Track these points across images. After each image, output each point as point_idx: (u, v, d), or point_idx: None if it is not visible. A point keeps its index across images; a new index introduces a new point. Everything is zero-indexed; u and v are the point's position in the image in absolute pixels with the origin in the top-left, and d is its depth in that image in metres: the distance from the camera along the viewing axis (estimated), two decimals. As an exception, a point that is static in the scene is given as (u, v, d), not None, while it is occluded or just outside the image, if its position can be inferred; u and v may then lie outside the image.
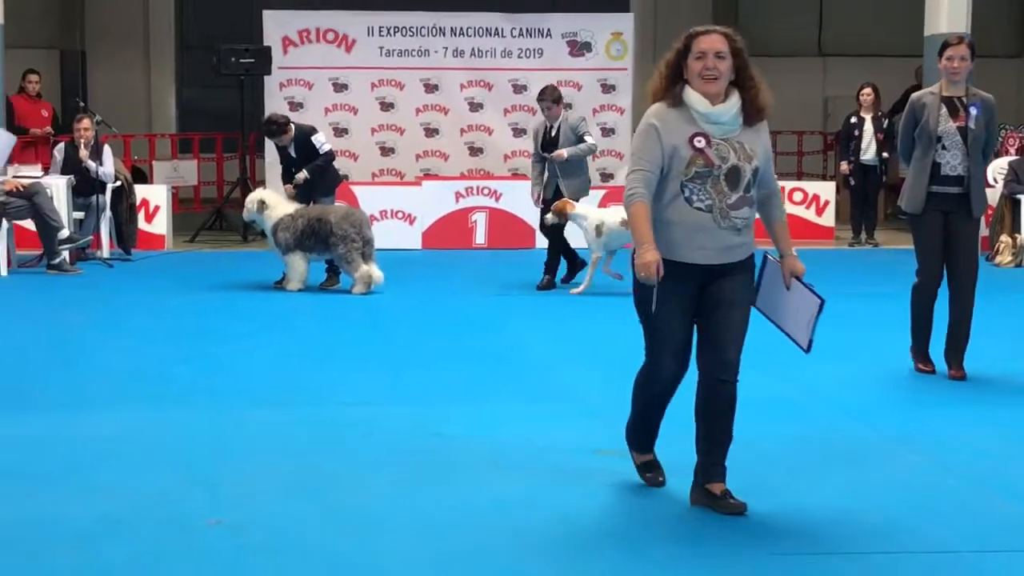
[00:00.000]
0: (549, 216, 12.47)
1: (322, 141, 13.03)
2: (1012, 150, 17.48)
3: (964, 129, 8.28)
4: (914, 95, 8.58)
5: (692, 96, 5.56)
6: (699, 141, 5.49)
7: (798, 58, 25.08)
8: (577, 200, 12.66)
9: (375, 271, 12.37)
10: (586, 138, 12.71)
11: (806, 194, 17.80)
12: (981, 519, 5.71)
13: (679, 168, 5.52)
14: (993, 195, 15.61)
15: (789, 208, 17.24)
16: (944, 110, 8.34)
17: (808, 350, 5.76)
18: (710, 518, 5.63)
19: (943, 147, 8.32)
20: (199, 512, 5.69)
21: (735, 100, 5.58)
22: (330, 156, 13.11)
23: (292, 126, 12.92)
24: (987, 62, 22.29)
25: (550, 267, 12.79)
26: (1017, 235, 14.99)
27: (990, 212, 15.53)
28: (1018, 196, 15.15)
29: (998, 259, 14.91)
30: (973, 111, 8.29)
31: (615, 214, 12.18)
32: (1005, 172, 15.61)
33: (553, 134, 12.68)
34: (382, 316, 11.24)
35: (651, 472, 6.12)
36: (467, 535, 5.44)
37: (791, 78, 24.20)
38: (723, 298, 5.62)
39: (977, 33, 17.09)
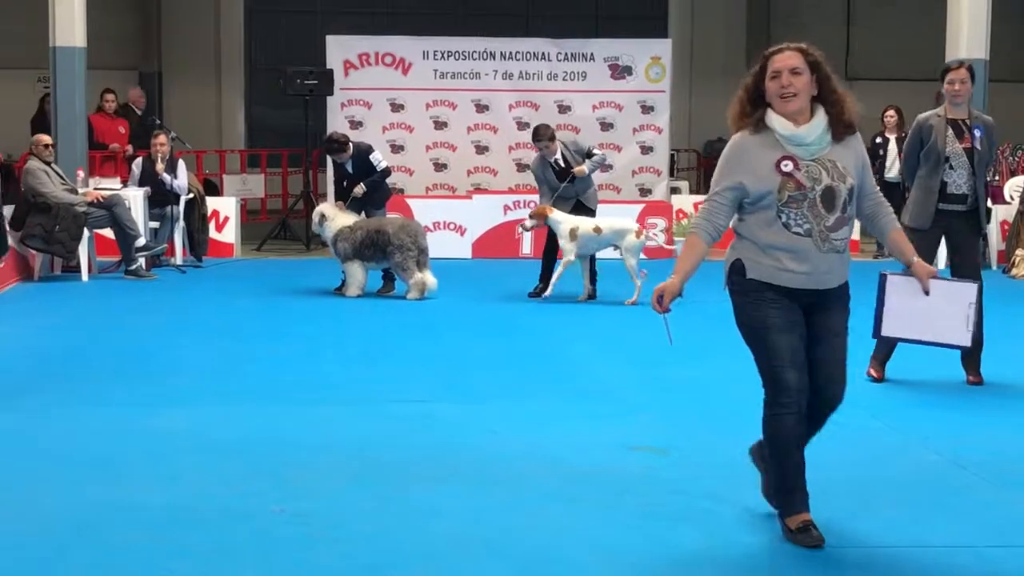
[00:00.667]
0: (529, 221, 12.53)
1: (379, 159, 13.10)
2: (1028, 169, 17.35)
3: (970, 150, 8.26)
4: (920, 117, 8.51)
5: (774, 119, 5.13)
6: (786, 165, 5.06)
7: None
8: (593, 208, 12.79)
9: (429, 278, 12.42)
10: (594, 152, 12.80)
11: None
12: (998, 515, 5.68)
13: (772, 194, 5.07)
14: (1009, 211, 15.51)
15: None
16: (951, 132, 8.31)
17: (971, 344, 5.50)
18: (742, 512, 5.62)
19: (950, 167, 8.28)
20: (265, 501, 5.73)
21: (820, 117, 5.13)
22: (386, 173, 13.19)
23: (351, 145, 13.00)
24: (1004, 86, 22.22)
25: (544, 276, 12.76)
26: (1033, 249, 14.86)
27: (1006, 226, 15.42)
28: (1034, 212, 15.03)
29: (1014, 271, 14.78)
30: (977, 133, 8.28)
31: (589, 222, 12.32)
32: (1021, 189, 15.47)
33: (562, 164, 12.68)
34: (435, 320, 11.26)
35: (807, 533, 5.17)
36: (515, 525, 5.46)
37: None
38: (829, 328, 5.20)
39: (995, 59, 17.00)
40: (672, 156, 20.25)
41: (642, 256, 12.64)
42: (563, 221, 12.29)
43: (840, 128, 5.14)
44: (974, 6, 16.15)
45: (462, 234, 16.70)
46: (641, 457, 6.57)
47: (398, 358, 9.45)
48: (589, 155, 12.69)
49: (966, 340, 5.40)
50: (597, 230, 12.21)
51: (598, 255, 12.77)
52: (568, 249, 12.21)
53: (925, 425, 7.37)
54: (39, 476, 6.16)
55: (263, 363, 9.21)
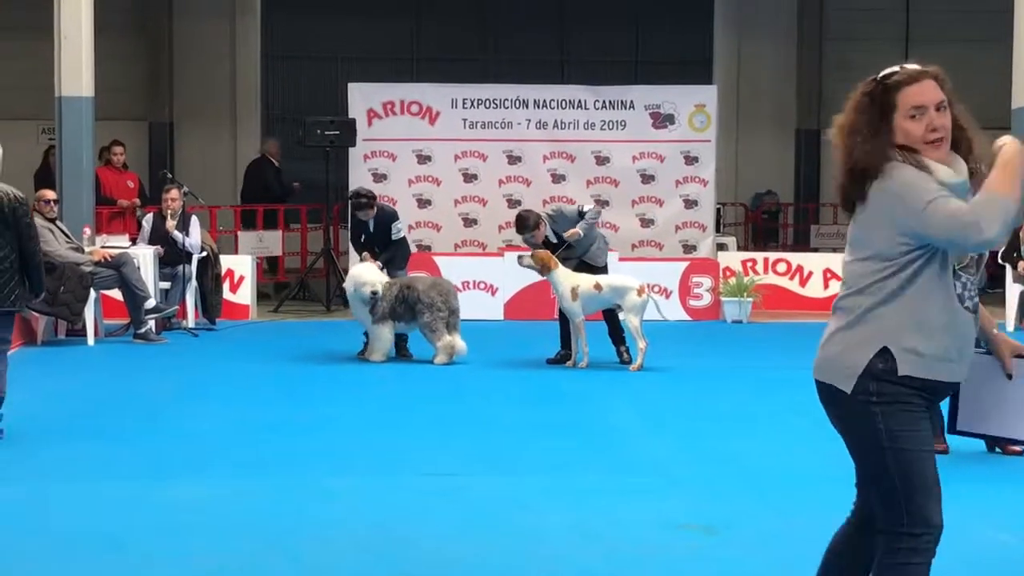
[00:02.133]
0: (525, 259, 12.55)
1: (400, 229, 13.35)
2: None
3: None
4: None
5: (933, 166, 4.12)
6: None
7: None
8: (602, 264, 12.76)
9: (458, 342, 12.44)
10: (585, 208, 12.81)
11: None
12: None
13: (949, 255, 4.11)
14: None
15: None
16: None
17: None
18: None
19: None
20: (283, 580, 5.73)
21: (961, 161, 4.22)
22: (402, 242, 13.46)
23: (376, 205, 13.13)
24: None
25: (565, 341, 12.74)
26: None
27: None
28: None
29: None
30: None
31: (589, 279, 12.24)
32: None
33: (553, 239, 12.69)
34: (464, 386, 11.26)
35: None
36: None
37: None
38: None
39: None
40: (718, 210, 20.28)
41: (660, 317, 12.51)
42: (563, 280, 12.23)
43: (976, 172, 4.25)
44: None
45: (493, 294, 16.73)
46: (688, 536, 6.53)
47: (424, 427, 9.46)
48: (581, 215, 12.68)
49: None
50: (597, 287, 12.16)
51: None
52: (573, 311, 12.18)
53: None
54: (43, 556, 6.16)
55: (279, 432, 9.23)
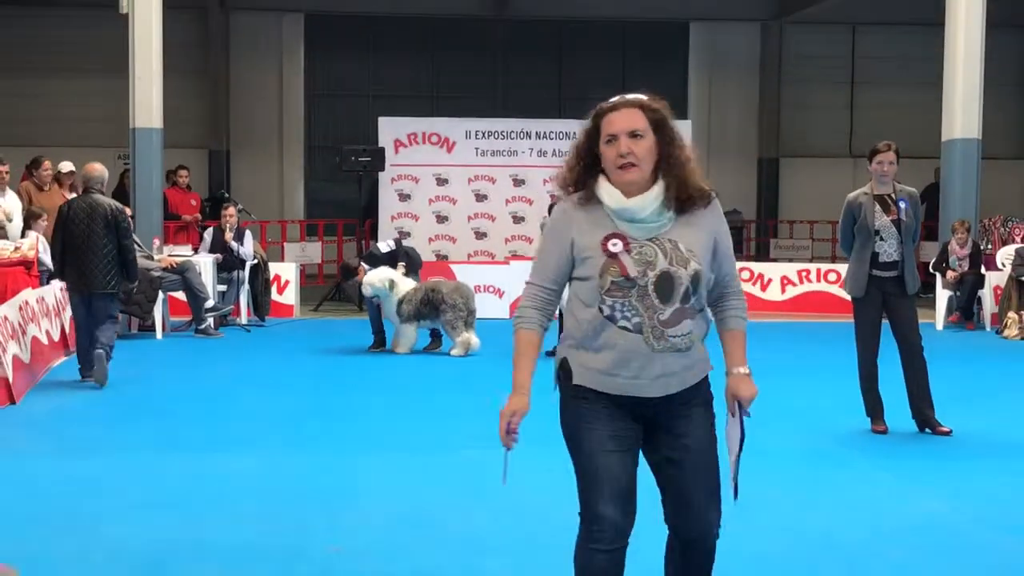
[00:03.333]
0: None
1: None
2: (1018, 239, 17.25)
3: (897, 222, 8.33)
4: (850, 196, 8.52)
5: (604, 189, 3.79)
6: (614, 245, 3.74)
7: (832, 159, 25.02)
8: None
9: (473, 338, 12.42)
10: None
11: (839, 274, 17.64)
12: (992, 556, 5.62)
13: (594, 280, 3.77)
14: (1002, 277, 15.42)
15: (825, 287, 17.17)
16: (878, 207, 8.37)
17: (735, 497, 3.97)
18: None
19: (880, 238, 8.35)
20: (323, 540, 5.72)
21: (658, 188, 3.77)
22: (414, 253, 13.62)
23: (363, 267, 13.16)
24: (996, 163, 22.18)
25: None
26: (1023, 312, 14.75)
27: (999, 291, 15.33)
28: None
29: (1006, 332, 14.65)
30: (903, 205, 8.37)
31: None
32: (1012, 257, 15.39)
33: None
34: (477, 376, 11.23)
35: None
36: (559, 561, 5.41)
37: (827, 174, 24.19)
38: (681, 443, 3.84)
39: (987, 138, 16.98)
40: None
41: None
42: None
43: (684, 199, 3.80)
44: (967, 89, 16.17)
45: (500, 296, 16.71)
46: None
47: (442, 411, 9.44)
48: None
49: (732, 489, 3.95)
50: None
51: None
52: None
53: (924, 472, 7.29)
54: (115, 517, 6.17)
55: (321, 414, 9.22)
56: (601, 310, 3.75)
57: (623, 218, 3.75)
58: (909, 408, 8.44)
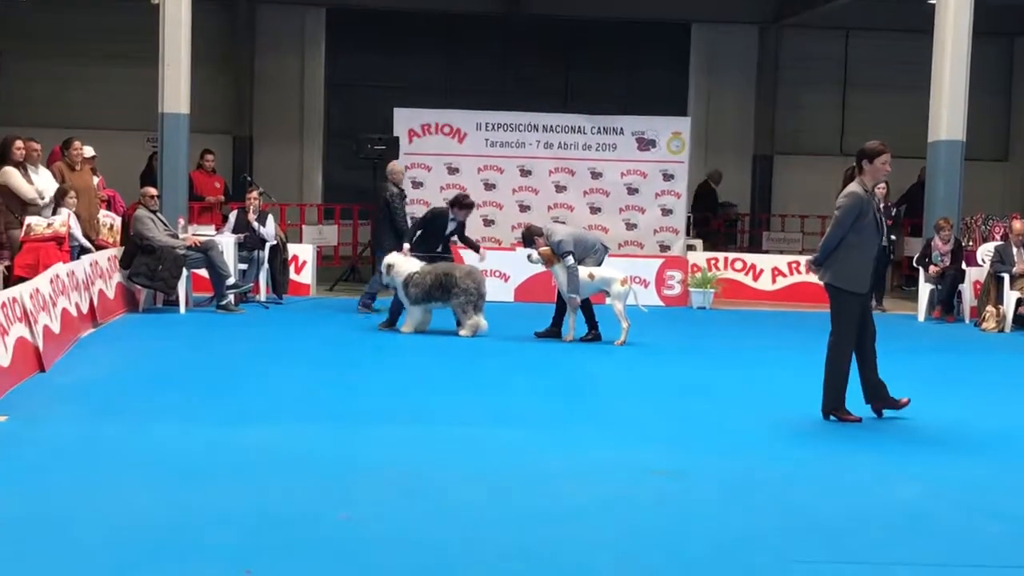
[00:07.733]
0: (534, 255, 12.42)
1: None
2: (998, 236, 17.20)
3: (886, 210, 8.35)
4: (859, 191, 8.18)
5: None
6: None
7: (823, 157, 24.97)
8: (597, 264, 12.39)
9: (482, 321, 12.39)
10: (565, 260, 12.16)
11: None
12: (968, 538, 5.60)
13: None
14: (981, 272, 15.37)
15: (813, 278, 17.00)
16: (879, 207, 8.38)
17: None
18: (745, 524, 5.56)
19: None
20: (334, 508, 5.72)
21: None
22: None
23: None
24: (978, 164, 22.12)
25: (556, 319, 12.55)
26: (1000, 306, 14.71)
27: (978, 286, 15.29)
28: (1002, 274, 14.88)
29: (984, 325, 14.62)
30: (881, 204, 8.32)
31: (584, 270, 12.10)
32: (991, 254, 15.34)
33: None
34: (484, 356, 11.23)
35: None
36: (551, 533, 5.42)
37: (817, 173, 24.13)
38: None
39: (971, 140, 16.93)
40: (689, 218, 20.32)
41: (645, 304, 12.61)
42: (563, 272, 12.18)
43: None
44: (953, 93, 16.14)
45: (506, 281, 16.70)
46: (659, 479, 6.50)
47: (450, 387, 9.43)
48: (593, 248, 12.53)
49: None
50: (591, 276, 12.17)
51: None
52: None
53: (904, 461, 7.27)
54: (138, 482, 6.16)
55: (335, 388, 9.21)
56: None
57: None
58: (866, 396, 8.38)
